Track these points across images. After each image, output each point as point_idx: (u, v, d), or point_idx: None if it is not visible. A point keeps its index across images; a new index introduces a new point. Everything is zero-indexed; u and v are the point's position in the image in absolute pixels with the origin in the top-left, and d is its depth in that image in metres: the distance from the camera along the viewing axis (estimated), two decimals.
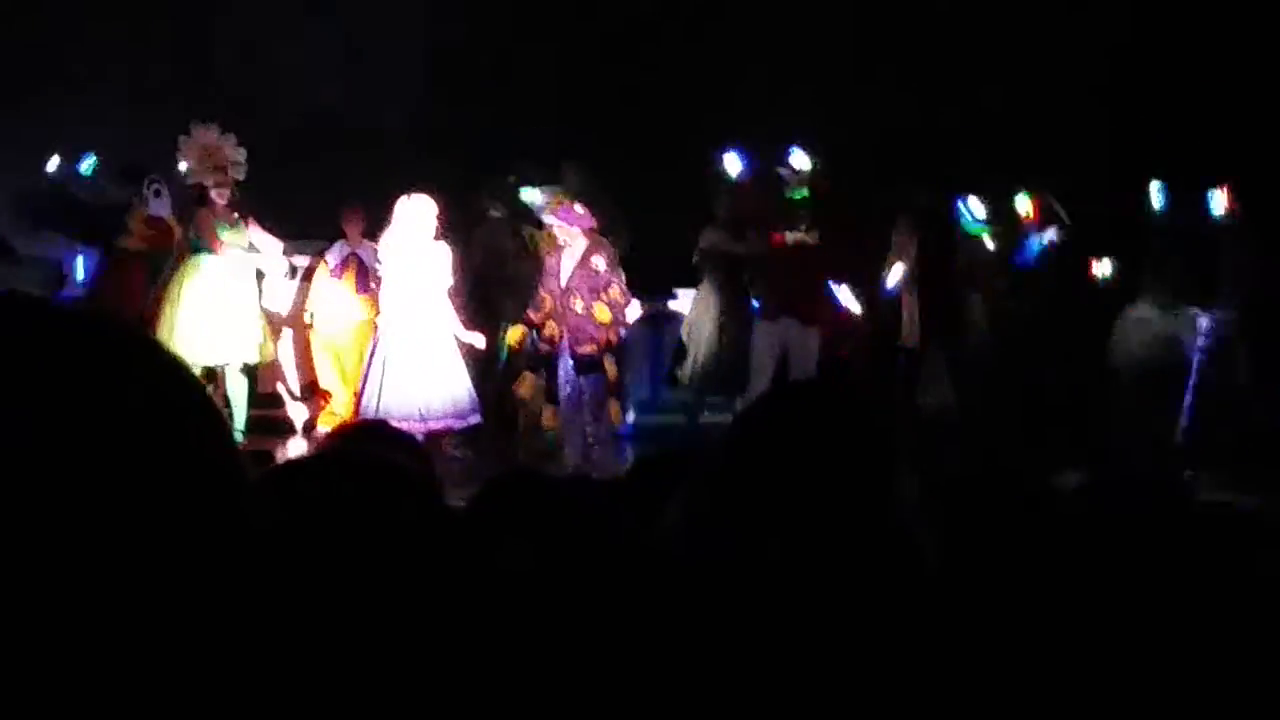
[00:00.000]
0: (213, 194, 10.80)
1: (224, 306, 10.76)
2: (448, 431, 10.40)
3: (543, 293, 10.39)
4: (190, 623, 1.09)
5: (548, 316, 10.35)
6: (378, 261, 10.74)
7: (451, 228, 10.73)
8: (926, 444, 10.07)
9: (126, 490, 1.07)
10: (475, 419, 10.50)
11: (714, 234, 11.66)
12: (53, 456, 1.05)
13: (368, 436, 3.08)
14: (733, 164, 11.52)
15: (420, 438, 9.70)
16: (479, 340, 10.59)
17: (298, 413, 12.03)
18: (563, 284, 10.30)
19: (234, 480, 1.14)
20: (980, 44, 13.35)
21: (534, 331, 10.58)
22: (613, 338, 10.34)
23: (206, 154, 10.84)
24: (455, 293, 10.60)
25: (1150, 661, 2.23)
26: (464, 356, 10.57)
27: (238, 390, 10.94)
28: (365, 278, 11.33)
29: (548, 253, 10.58)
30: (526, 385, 10.78)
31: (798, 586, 1.96)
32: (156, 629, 1.07)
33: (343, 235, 11.60)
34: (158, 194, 11.20)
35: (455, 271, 10.52)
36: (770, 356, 11.10)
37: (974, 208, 11.19)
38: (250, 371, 11.14)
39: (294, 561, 1.70)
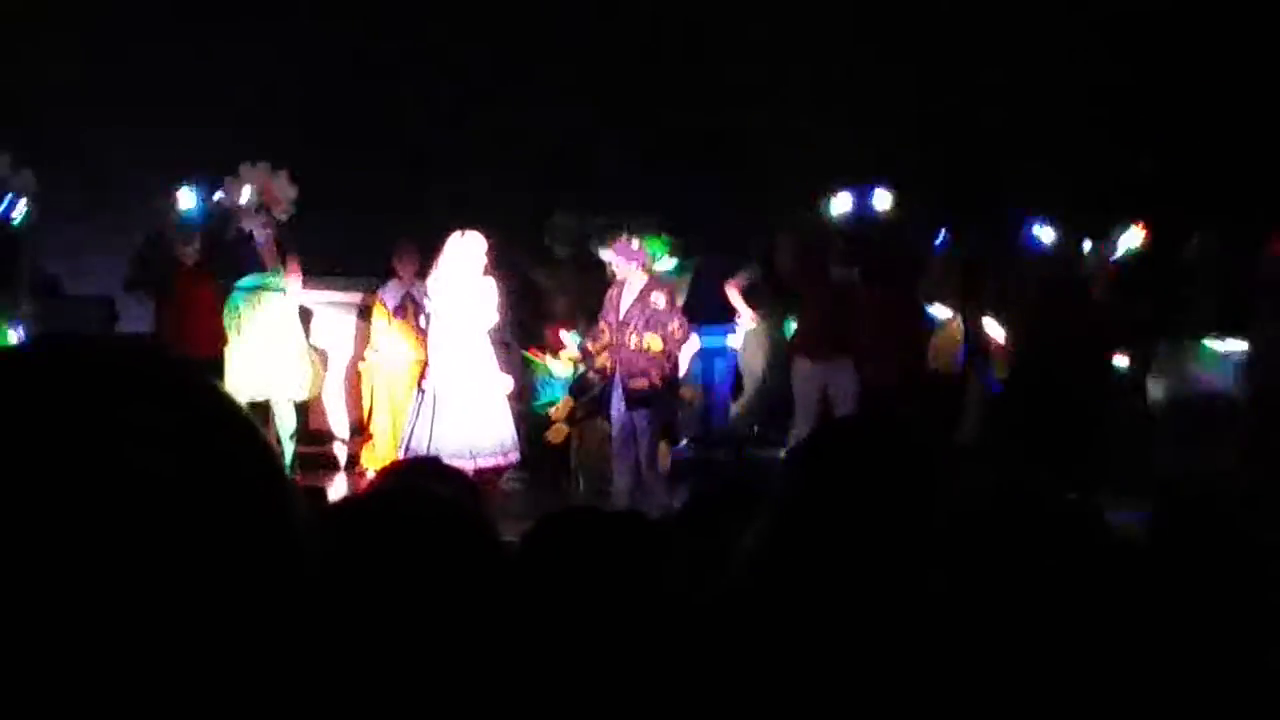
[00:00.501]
0: (258, 235, 10.82)
1: (266, 344, 10.83)
2: (496, 470, 10.41)
3: (601, 324, 10.43)
4: (246, 657, 1.09)
5: (604, 348, 10.39)
6: (428, 299, 10.78)
7: (511, 265, 10.79)
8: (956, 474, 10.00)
9: (183, 528, 1.08)
10: (515, 456, 10.48)
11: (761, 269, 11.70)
12: (103, 495, 1.06)
13: (421, 473, 3.09)
14: (842, 203, 11.48)
15: (471, 475, 9.74)
16: (509, 384, 10.58)
17: (343, 450, 12.07)
18: (620, 318, 10.33)
19: (289, 515, 1.15)
20: (1028, 78, 13.33)
21: (584, 361, 10.66)
22: (664, 371, 10.35)
23: (254, 193, 10.86)
24: (498, 330, 10.61)
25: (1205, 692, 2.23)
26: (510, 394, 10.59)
27: (285, 425, 10.99)
28: (419, 317, 11.38)
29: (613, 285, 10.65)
30: (555, 431, 10.94)
31: (865, 618, 1.96)
32: (213, 665, 1.08)
33: (394, 274, 11.61)
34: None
35: (502, 310, 10.53)
36: (813, 392, 11.08)
37: (1041, 234, 11.10)
38: (300, 407, 11.19)
39: (351, 596, 1.71)
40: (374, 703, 1.62)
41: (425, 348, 10.82)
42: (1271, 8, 12.75)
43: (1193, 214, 11.23)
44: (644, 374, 10.25)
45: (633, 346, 10.28)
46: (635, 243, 10.56)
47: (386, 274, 11.69)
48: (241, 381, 10.57)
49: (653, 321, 10.29)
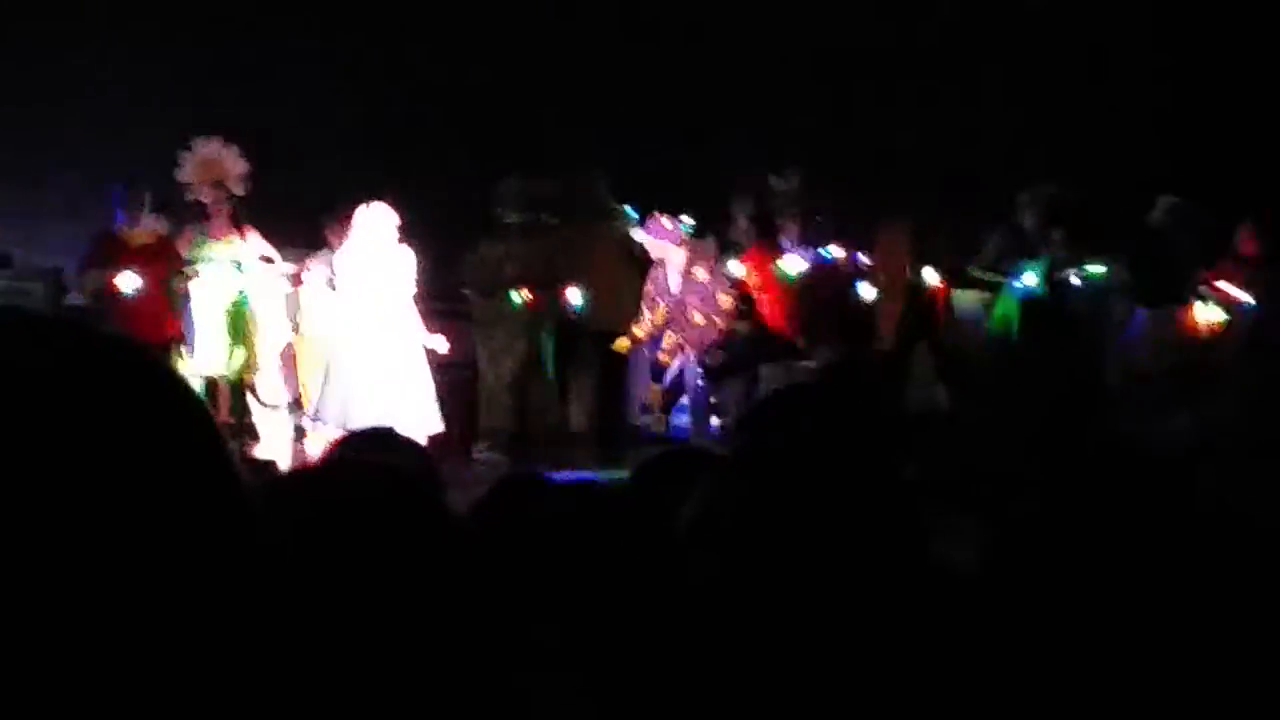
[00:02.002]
0: (210, 209, 10.80)
1: (217, 320, 10.81)
2: (441, 440, 10.36)
3: (649, 305, 10.44)
4: (195, 629, 1.09)
5: (661, 327, 10.44)
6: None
7: (452, 234, 10.74)
8: (916, 441, 10.08)
9: (125, 502, 1.07)
10: (438, 428, 10.37)
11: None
12: (50, 472, 1.06)
13: (373, 444, 3.09)
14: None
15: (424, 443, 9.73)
16: (442, 344, 10.51)
17: (273, 420, 11.97)
18: (675, 295, 10.37)
19: (231, 487, 1.15)
20: (979, 53, 13.33)
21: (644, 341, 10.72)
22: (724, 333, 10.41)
23: (206, 168, 10.84)
24: (420, 297, 10.52)
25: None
26: (431, 364, 10.49)
27: (233, 400, 10.99)
28: None
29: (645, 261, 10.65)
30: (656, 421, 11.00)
31: (819, 578, 1.97)
32: (161, 637, 1.08)
33: (326, 244, 11.54)
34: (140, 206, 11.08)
35: (420, 275, 10.45)
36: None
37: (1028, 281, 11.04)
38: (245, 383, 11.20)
39: (299, 568, 1.71)
40: (324, 674, 1.62)
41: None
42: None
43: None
44: (718, 347, 10.33)
45: (700, 322, 10.32)
46: (666, 221, 10.55)
47: (320, 244, 11.62)
48: (196, 359, 10.61)
49: (705, 295, 10.35)
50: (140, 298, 10.68)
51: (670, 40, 13.55)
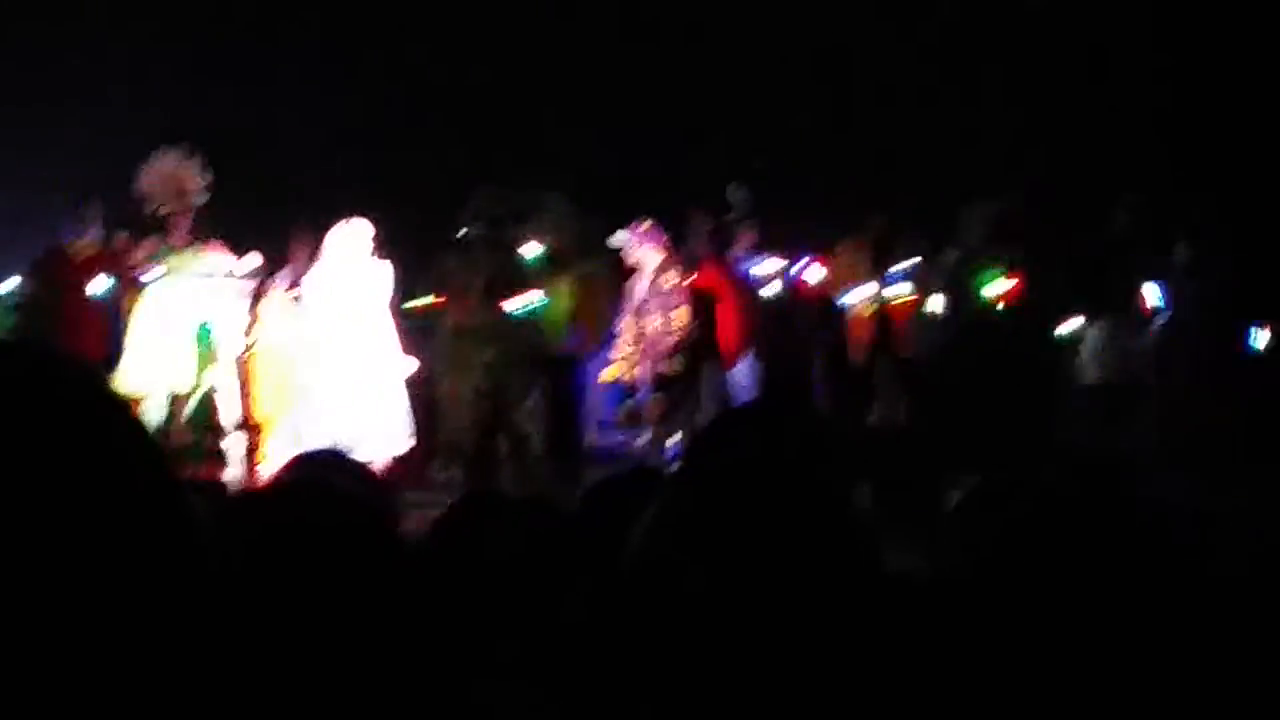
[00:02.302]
0: (170, 221, 10.72)
1: (173, 334, 10.72)
2: (394, 460, 10.33)
3: (619, 326, 10.44)
4: (145, 647, 1.09)
5: (628, 355, 10.45)
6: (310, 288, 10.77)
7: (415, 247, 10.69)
8: (878, 456, 10.11)
9: (72, 521, 1.07)
10: (410, 444, 10.35)
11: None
12: None
13: (324, 467, 3.08)
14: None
15: (381, 463, 9.71)
16: (412, 366, 10.49)
17: (237, 441, 11.93)
18: (637, 304, 10.37)
19: (179, 509, 1.14)
20: (934, 64, 13.39)
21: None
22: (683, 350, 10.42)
23: (167, 180, 10.76)
24: (396, 312, 10.49)
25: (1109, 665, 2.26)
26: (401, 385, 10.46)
27: (184, 416, 10.90)
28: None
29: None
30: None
31: (764, 599, 1.98)
32: (112, 653, 1.07)
33: (291, 256, 11.49)
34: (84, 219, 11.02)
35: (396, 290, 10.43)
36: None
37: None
38: (201, 398, 11.11)
39: (250, 589, 1.71)
40: (273, 696, 1.62)
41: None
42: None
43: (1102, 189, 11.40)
44: (669, 354, 10.30)
45: (657, 328, 10.30)
46: (644, 225, 10.53)
47: (280, 260, 11.57)
48: (145, 372, 10.52)
49: (666, 305, 10.34)
50: (85, 312, 10.61)
51: (635, 52, 13.58)
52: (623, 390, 11.29)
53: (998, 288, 10.67)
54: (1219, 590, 2.54)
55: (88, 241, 10.85)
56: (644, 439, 11.09)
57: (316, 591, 1.75)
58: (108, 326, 10.70)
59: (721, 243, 11.54)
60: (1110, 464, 9.94)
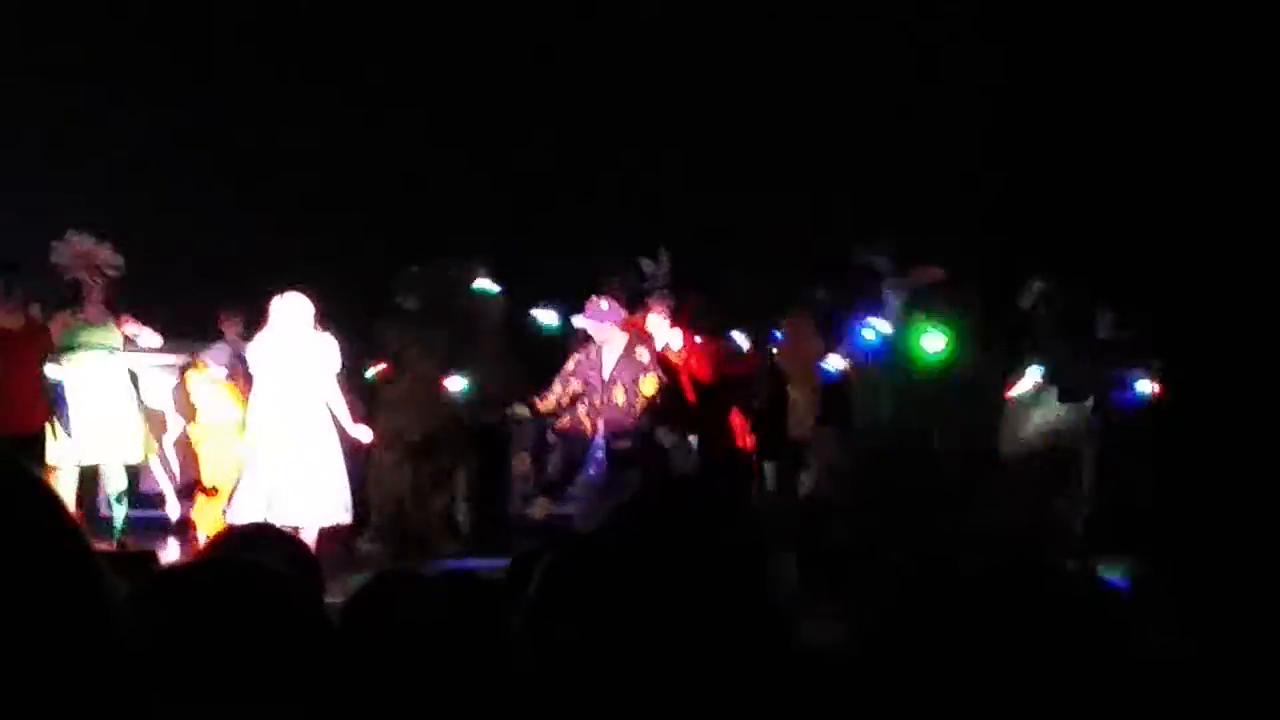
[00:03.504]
0: (84, 292, 10.67)
1: (97, 406, 10.65)
2: (332, 533, 10.29)
3: (562, 381, 10.43)
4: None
5: (568, 406, 10.41)
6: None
7: (346, 319, 10.68)
8: (808, 526, 10.18)
9: None
10: (347, 518, 10.32)
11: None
12: None
13: (251, 542, 3.10)
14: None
15: (313, 533, 9.68)
16: (366, 435, 10.49)
17: (175, 512, 11.89)
18: (605, 377, 10.34)
19: (90, 587, 1.16)
20: (864, 135, 13.52)
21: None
22: (643, 428, 10.42)
23: (81, 256, 10.72)
24: (345, 385, 10.48)
25: None
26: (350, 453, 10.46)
27: (115, 487, 10.81)
28: (249, 377, 11.28)
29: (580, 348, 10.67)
30: (540, 507, 10.93)
31: (671, 665, 2.01)
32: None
33: (220, 335, 11.48)
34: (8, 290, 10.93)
35: (344, 361, 10.43)
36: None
37: (878, 325, 11.21)
38: (131, 471, 11.03)
39: (170, 668, 1.73)
40: None
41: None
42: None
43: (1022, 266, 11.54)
44: (630, 434, 10.31)
45: (620, 404, 10.30)
46: (604, 303, 10.54)
47: (213, 334, 11.56)
48: (74, 445, 10.44)
49: (637, 375, 10.34)
50: (8, 385, 10.51)
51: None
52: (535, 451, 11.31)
53: (931, 343, 10.84)
54: (1138, 672, 2.60)
55: (11, 313, 10.76)
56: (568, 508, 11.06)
57: (234, 667, 1.78)
58: (35, 399, 10.60)
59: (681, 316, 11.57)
60: (1033, 544, 10.06)
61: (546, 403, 10.55)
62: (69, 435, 10.52)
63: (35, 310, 10.83)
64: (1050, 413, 10.96)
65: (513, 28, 13.97)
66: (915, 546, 8.94)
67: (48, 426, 10.51)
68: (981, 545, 8.89)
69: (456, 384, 11.22)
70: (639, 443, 10.44)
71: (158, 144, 13.21)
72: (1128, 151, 12.39)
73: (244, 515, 9.64)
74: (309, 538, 9.30)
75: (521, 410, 10.92)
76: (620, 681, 1.95)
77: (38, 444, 10.29)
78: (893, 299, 11.16)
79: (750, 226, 12.72)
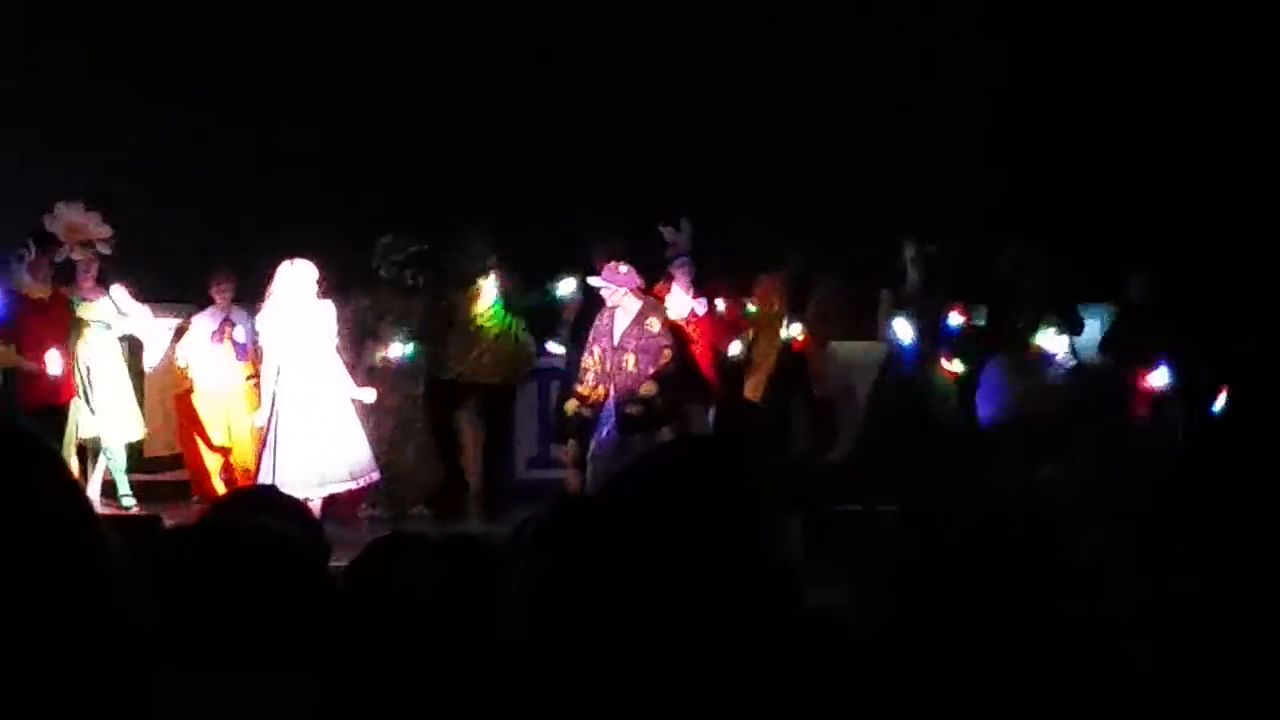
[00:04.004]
0: (79, 268, 10.70)
1: (109, 384, 10.70)
2: (352, 496, 10.33)
3: (587, 359, 10.41)
4: (54, 690, 1.11)
5: (595, 386, 10.40)
6: (250, 326, 10.75)
7: (332, 288, 10.67)
8: (807, 487, 10.18)
9: None
10: (375, 476, 10.38)
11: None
12: None
13: (254, 504, 3.11)
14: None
15: (318, 502, 9.72)
16: (370, 396, 10.51)
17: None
18: (615, 342, 10.32)
19: (93, 550, 1.17)
20: (854, 108, 13.52)
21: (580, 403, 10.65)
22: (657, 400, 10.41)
23: (71, 231, 10.74)
24: (342, 350, 10.51)
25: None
26: (366, 416, 10.48)
27: (118, 458, 10.85)
28: (241, 342, 11.28)
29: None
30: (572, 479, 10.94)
31: (676, 628, 2.01)
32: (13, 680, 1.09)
33: (211, 301, 11.46)
34: (21, 260, 10.94)
35: (342, 329, 10.45)
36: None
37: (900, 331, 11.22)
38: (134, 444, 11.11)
39: (174, 630, 1.74)
40: None
41: (253, 373, 10.81)
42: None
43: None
44: (642, 401, 10.28)
45: (631, 369, 10.28)
46: (622, 267, 10.50)
47: (203, 301, 11.55)
48: (88, 420, 10.54)
49: (649, 347, 10.30)
50: (38, 357, 10.56)
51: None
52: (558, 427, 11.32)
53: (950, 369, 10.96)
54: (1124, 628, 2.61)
55: (40, 283, 10.80)
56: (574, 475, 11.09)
57: (238, 628, 1.78)
58: (69, 372, 10.68)
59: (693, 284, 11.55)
60: (1033, 504, 10.09)
61: (586, 385, 10.53)
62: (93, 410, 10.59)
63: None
64: (1039, 379, 11.01)
65: (512, 27, 13.95)
66: (918, 509, 8.97)
67: (74, 401, 10.59)
68: (983, 507, 8.90)
69: (397, 350, 11.20)
70: (649, 407, 10.42)
71: (150, 104, 13.17)
72: (1129, 151, 12.47)
73: (267, 480, 9.67)
74: (314, 503, 9.38)
75: (572, 405, 10.86)
76: (621, 647, 1.95)
77: (63, 416, 10.37)
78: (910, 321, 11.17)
79: (750, 227, 12.69)
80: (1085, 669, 2.46)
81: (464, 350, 11.48)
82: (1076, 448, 10.78)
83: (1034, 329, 11.00)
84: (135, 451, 11.22)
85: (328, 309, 10.26)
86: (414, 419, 11.37)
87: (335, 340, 10.32)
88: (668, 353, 10.39)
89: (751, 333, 11.53)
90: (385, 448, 10.96)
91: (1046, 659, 2.45)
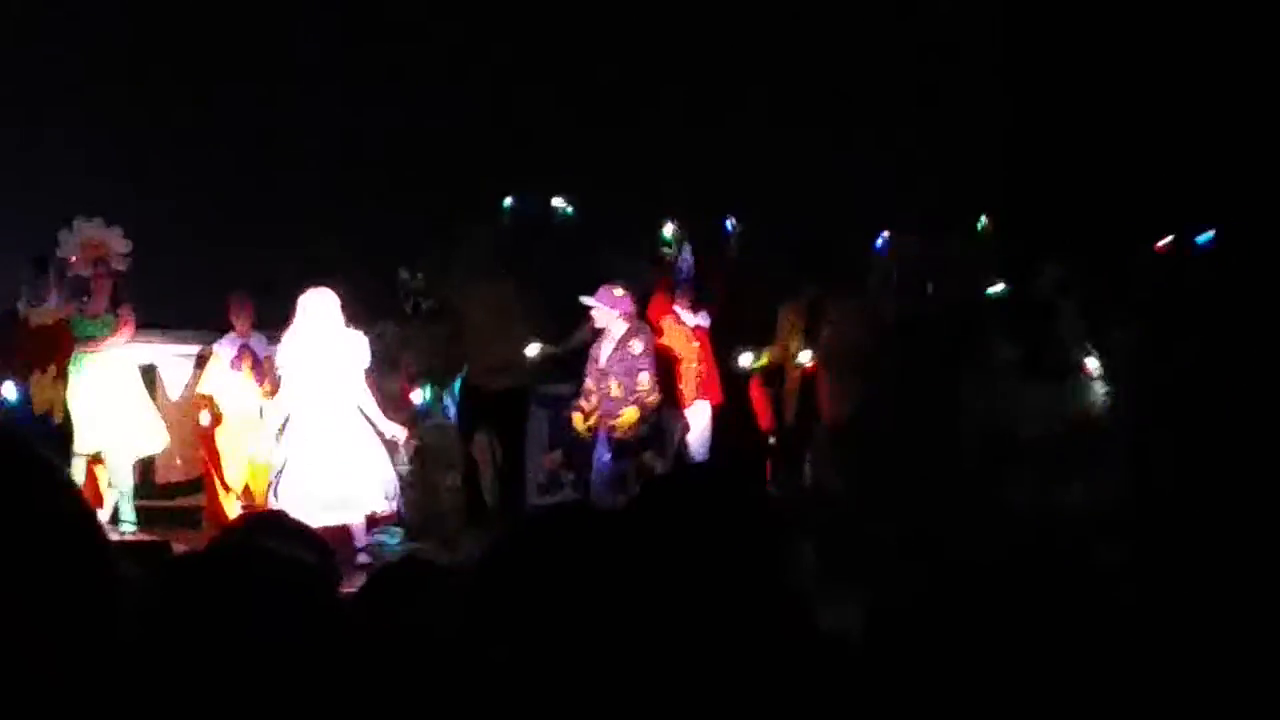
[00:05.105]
0: (92, 286, 10.73)
1: (110, 399, 10.71)
2: (374, 521, 10.33)
3: (589, 383, 10.45)
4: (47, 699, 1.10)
5: (594, 409, 10.43)
6: (269, 351, 10.76)
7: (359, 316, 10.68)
8: (826, 516, 10.15)
9: None
10: (395, 505, 10.36)
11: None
12: None
13: (265, 529, 3.10)
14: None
15: (340, 529, 9.72)
16: (400, 433, 10.46)
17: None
18: (601, 365, 10.36)
19: (100, 575, 1.16)
20: (867, 118, 13.54)
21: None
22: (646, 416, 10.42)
23: (88, 248, 10.77)
24: (373, 382, 10.45)
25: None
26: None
27: (125, 480, 10.85)
28: (259, 368, 11.28)
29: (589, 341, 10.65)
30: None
31: (685, 655, 2.00)
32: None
33: (230, 327, 11.47)
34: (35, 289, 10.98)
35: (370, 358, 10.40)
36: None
37: None
38: (145, 460, 11.09)
39: (181, 654, 1.73)
40: None
41: (269, 399, 10.81)
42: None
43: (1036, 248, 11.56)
44: (622, 424, 10.32)
45: (615, 394, 10.30)
46: (618, 290, 10.51)
47: (222, 327, 11.57)
48: (83, 436, 10.52)
49: (631, 369, 10.33)
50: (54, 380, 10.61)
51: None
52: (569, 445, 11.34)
53: None
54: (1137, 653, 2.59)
55: (46, 308, 10.82)
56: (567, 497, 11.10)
57: (245, 655, 1.77)
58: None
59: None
60: (1048, 524, 10.05)
61: (590, 402, 10.55)
62: (80, 427, 10.60)
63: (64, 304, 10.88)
64: (1067, 395, 10.97)
65: (512, 27, 13.99)
66: (930, 531, 8.93)
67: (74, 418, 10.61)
68: (999, 529, 8.86)
69: (418, 396, 11.21)
70: (638, 432, 10.44)
71: (167, 132, 13.21)
72: (1134, 153, 12.47)
73: (287, 508, 9.62)
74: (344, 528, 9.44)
75: (579, 421, 10.86)
76: (633, 674, 1.94)
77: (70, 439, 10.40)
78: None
79: (750, 227, 12.68)
80: (1103, 698, 2.44)
81: (475, 356, 11.50)
82: (1106, 466, 10.73)
83: (1075, 347, 10.96)
84: (148, 476, 11.23)
85: (358, 339, 10.22)
86: (448, 446, 11.39)
87: (366, 370, 10.26)
88: (644, 376, 10.39)
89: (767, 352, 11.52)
90: (419, 479, 10.98)
91: (1063, 688, 2.43)
